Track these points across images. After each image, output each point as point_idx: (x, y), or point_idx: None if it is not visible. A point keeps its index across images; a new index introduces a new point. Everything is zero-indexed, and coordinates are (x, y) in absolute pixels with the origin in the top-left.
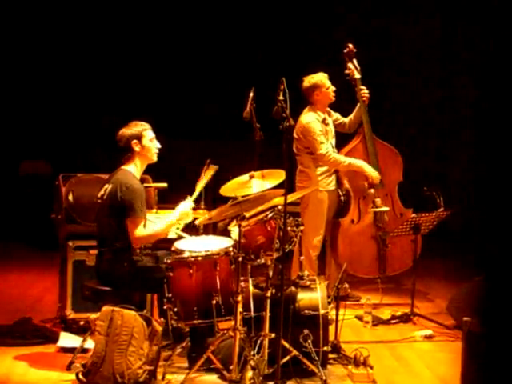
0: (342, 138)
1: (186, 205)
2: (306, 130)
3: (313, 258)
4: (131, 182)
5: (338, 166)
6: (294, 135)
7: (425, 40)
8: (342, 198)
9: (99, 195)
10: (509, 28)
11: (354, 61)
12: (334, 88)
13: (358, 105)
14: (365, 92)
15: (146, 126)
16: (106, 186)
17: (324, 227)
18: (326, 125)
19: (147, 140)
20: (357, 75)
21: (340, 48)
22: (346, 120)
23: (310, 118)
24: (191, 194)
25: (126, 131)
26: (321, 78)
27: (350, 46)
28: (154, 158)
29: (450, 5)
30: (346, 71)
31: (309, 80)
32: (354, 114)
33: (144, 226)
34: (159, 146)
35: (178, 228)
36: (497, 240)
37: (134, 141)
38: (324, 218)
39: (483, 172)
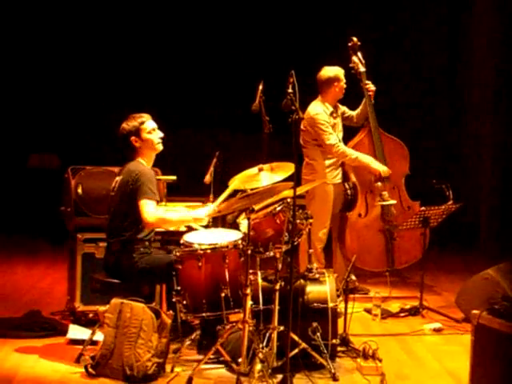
0: (349, 132)
1: (204, 211)
2: (313, 122)
3: (318, 250)
4: (141, 168)
5: (345, 158)
6: (302, 127)
7: (433, 34)
8: (349, 191)
9: (111, 188)
10: None
11: (359, 54)
12: (345, 85)
13: (365, 99)
14: (370, 86)
15: (144, 117)
16: (117, 178)
17: (329, 220)
18: (334, 118)
19: (146, 133)
20: (361, 68)
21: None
22: (354, 113)
23: (318, 110)
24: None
25: (123, 128)
26: (341, 71)
27: (354, 39)
28: (158, 148)
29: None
30: (351, 64)
31: (331, 71)
32: (360, 107)
33: None
34: (161, 135)
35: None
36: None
37: (133, 137)
38: (330, 211)
39: (494, 165)
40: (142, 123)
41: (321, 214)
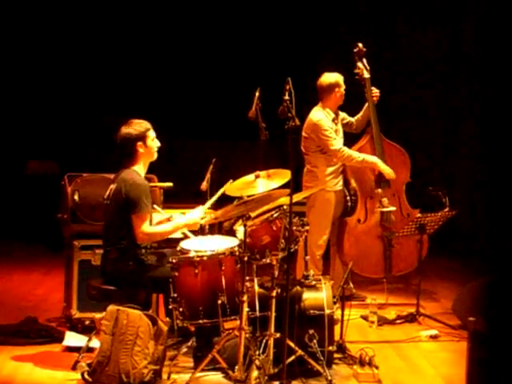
0: (350, 139)
1: (197, 213)
2: (316, 128)
3: (317, 257)
4: (135, 178)
5: (351, 161)
6: (303, 134)
7: (430, 40)
8: (349, 198)
9: (105, 196)
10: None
11: (364, 60)
12: (344, 91)
13: (366, 104)
14: (375, 92)
15: (148, 125)
16: (111, 186)
17: (330, 227)
18: (336, 124)
19: (150, 140)
20: (366, 75)
21: (347, 48)
22: (353, 120)
23: (320, 116)
24: (202, 201)
25: (130, 133)
26: (341, 77)
27: (360, 45)
28: (155, 157)
29: (456, 7)
30: (356, 70)
31: (332, 77)
32: (361, 113)
33: (150, 222)
34: (159, 144)
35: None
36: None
37: (139, 143)
38: (330, 218)
39: (490, 172)
40: (148, 130)
41: (321, 222)
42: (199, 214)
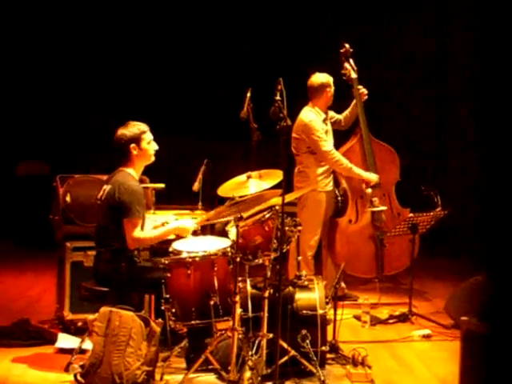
0: (339, 138)
1: (189, 224)
2: (307, 128)
3: (309, 257)
4: (130, 182)
5: (339, 166)
6: (294, 135)
7: (421, 39)
8: (339, 198)
9: (98, 196)
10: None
11: (351, 61)
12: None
13: (354, 101)
14: (363, 90)
15: (145, 127)
16: (105, 187)
17: (321, 227)
18: (326, 125)
19: (145, 143)
20: (353, 75)
21: (336, 49)
22: (341, 117)
23: (311, 117)
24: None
25: (124, 134)
26: (331, 78)
27: (347, 45)
28: (152, 159)
29: (445, 7)
30: (343, 71)
31: (322, 77)
32: (349, 109)
33: (142, 227)
34: (157, 147)
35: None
36: (497, 239)
37: (132, 145)
38: (321, 219)
39: (482, 171)
40: (144, 133)
41: (312, 222)
42: (190, 224)
